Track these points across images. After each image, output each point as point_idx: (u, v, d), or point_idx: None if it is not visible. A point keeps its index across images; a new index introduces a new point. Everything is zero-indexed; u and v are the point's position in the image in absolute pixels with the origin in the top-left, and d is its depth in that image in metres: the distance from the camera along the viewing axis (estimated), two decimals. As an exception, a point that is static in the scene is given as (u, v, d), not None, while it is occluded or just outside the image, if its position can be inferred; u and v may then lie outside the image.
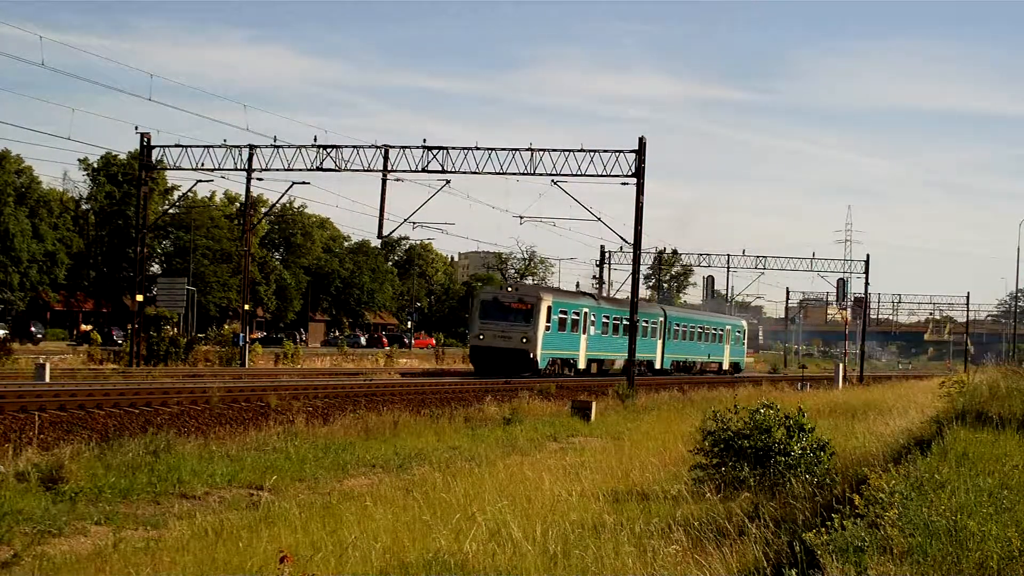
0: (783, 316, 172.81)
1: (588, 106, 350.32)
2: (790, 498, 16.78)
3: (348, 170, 60.21)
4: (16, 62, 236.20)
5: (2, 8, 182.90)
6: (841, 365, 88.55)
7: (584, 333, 69.46)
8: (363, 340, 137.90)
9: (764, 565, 12.29)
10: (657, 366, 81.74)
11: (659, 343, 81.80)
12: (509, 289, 69.53)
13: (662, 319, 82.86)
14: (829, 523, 12.04)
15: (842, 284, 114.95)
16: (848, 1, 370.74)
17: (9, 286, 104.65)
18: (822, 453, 19.54)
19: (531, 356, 64.00)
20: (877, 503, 12.95)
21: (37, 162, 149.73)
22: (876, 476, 14.58)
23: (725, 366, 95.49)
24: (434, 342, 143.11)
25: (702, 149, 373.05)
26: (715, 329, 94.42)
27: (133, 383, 39.78)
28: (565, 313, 67.38)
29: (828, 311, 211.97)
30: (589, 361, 70.83)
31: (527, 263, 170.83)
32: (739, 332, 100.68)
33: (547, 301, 65.02)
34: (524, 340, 63.93)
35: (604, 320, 72.70)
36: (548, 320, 64.83)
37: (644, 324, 75.48)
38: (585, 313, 69.58)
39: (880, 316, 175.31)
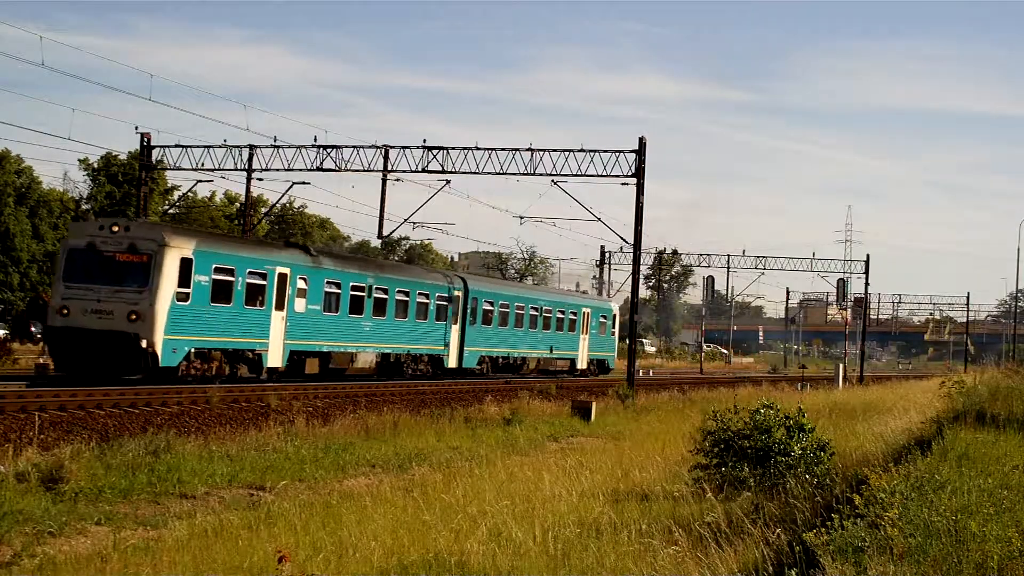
0: (783, 316, 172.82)
1: (588, 106, 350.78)
2: (790, 498, 16.79)
3: (348, 170, 60.12)
4: (16, 62, 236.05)
5: (2, 8, 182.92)
6: (841, 365, 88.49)
7: (281, 309, 44.86)
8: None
9: (764, 565, 12.29)
10: (451, 363, 58.33)
11: (454, 329, 58.29)
12: (115, 229, 40.30)
13: (459, 293, 58.95)
14: (829, 523, 12.05)
15: (842, 284, 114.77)
16: (848, 1, 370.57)
17: (9, 286, 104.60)
18: (822, 453, 19.55)
19: (143, 346, 38.65)
20: (877, 503, 12.96)
21: (37, 162, 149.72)
22: (876, 476, 14.59)
23: (581, 364, 73.74)
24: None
25: (702, 149, 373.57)
26: (561, 313, 71.09)
27: (132, 384, 39.67)
28: (229, 273, 42.00)
29: (828, 311, 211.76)
30: (295, 355, 46.32)
31: (527, 263, 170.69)
32: (604, 319, 77.56)
33: (181, 249, 40.33)
34: (132, 317, 38.80)
35: (331, 289, 48.42)
36: (184, 283, 40.06)
37: (422, 300, 55.20)
38: (282, 276, 44.90)
39: (880, 316, 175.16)
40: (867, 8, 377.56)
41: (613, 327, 79.49)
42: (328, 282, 48.32)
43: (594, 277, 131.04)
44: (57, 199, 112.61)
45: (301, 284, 46.21)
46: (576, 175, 57.63)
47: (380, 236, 65.11)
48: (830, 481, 18.31)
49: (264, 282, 43.89)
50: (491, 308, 62.30)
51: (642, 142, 55.55)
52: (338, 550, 13.51)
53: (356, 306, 50.29)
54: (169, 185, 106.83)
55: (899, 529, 11.65)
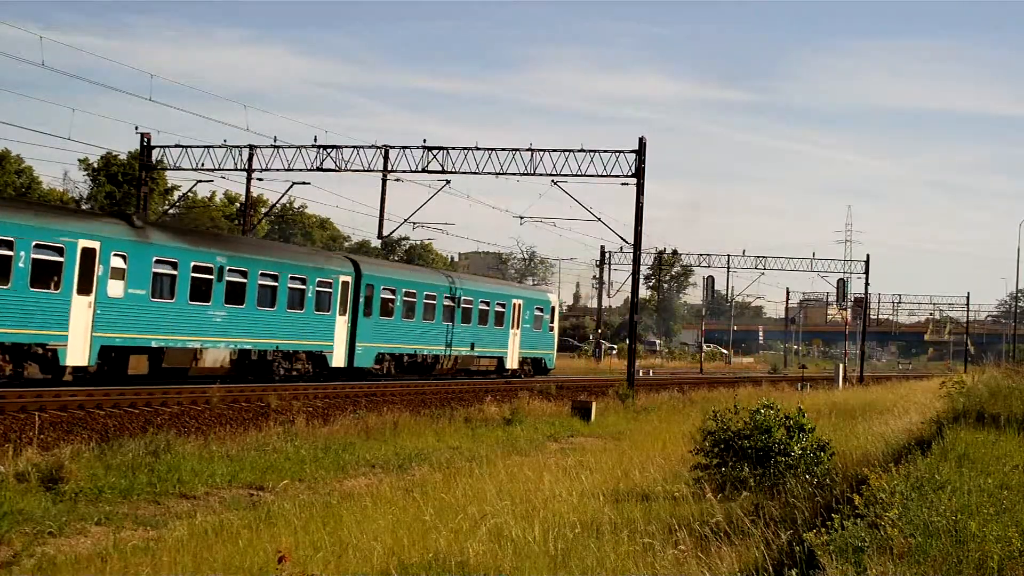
0: (783, 316, 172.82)
1: (588, 106, 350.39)
2: (790, 498, 16.80)
3: (348, 170, 60.17)
4: (16, 62, 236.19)
5: (2, 8, 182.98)
6: (841, 365, 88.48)
7: (86, 293, 36.70)
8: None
9: (765, 565, 12.30)
10: (337, 362, 50.16)
11: (341, 321, 50.18)
12: None
13: (348, 279, 50.83)
14: (829, 523, 12.05)
15: (842, 284, 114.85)
16: (847, 1, 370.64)
17: None
18: (822, 453, 19.58)
19: None
20: (877, 503, 12.97)
21: (37, 162, 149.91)
22: (876, 476, 14.59)
23: (511, 364, 64.34)
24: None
25: (701, 149, 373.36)
26: (485, 304, 62.11)
27: (133, 383, 39.72)
28: (6, 247, 33.96)
29: (828, 311, 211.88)
30: (110, 351, 38.13)
31: (527, 263, 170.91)
32: (540, 311, 67.97)
33: None
34: None
35: (163, 270, 40.21)
36: None
37: (296, 286, 47.25)
38: (88, 252, 36.74)
39: (880, 316, 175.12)
40: (866, 8, 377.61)
41: (552, 321, 69.82)
42: (159, 261, 39.80)
43: (594, 277, 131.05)
44: (57, 199, 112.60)
45: (117, 262, 37.72)
46: (576, 175, 57.62)
47: (380, 236, 65.20)
48: (830, 481, 18.31)
49: (61, 259, 35.50)
50: (392, 297, 54.22)
51: (642, 142, 55.54)
52: (338, 550, 13.51)
53: (201, 292, 41.66)
54: (169, 185, 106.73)
55: (899, 529, 11.66)
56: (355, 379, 50.34)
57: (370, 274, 52.67)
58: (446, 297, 58.29)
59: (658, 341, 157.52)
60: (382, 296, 53.38)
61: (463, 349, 59.87)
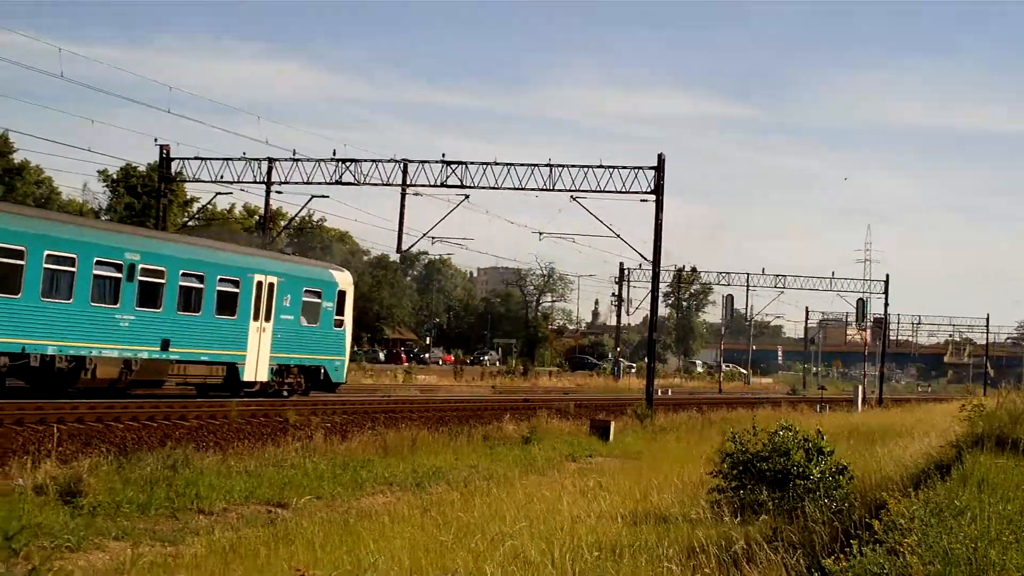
0: (802, 336, 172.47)
1: (606, 123, 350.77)
2: (809, 522, 16.73)
3: (367, 184, 60.20)
4: (37, 74, 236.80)
5: (23, 20, 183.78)
6: (860, 387, 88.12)
7: None
8: (382, 356, 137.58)
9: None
10: None
11: None
12: None
13: None
14: (848, 549, 12.00)
15: (862, 304, 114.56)
16: (867, 20, 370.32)
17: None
18: (841, 477, 19.47)
19: None
20: (896, 529, 12.91)
21: (57, 173, 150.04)
22: (895, 501, 14.54)
23: (253, 374, 43.85)
24: (453, 359, 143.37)
25: (721, 167, 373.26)
26: (199, 280, 41.57)
27: (152, 396, 39.77)
28: None
29: (847, 331, 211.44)
30: None
31: (546, 279, 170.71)
32: (313, 296, 47.40)
33: None
34: None
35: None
36: None
37: None
38: None
39: (899, 337, 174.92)
40: (886, 27, 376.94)
41: (340, 311, 49.00)
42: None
43: (613, 294, 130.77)
44: (77, 210, 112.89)
45: None
46: (595, 191, 57.54)
47: (399, 250, 65.19)
48: (849, 506, 18.24)
49: None
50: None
51: (661, 159, 55.51)
52: (356, 569, 13.48)
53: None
54: (188, 197, 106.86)
55: (918, 556, 11.60)
56: None
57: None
58: (102, 263, 37.60)
59: (697, 361, 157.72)
60: None
61: (147, 349, 39.19)
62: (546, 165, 58.06)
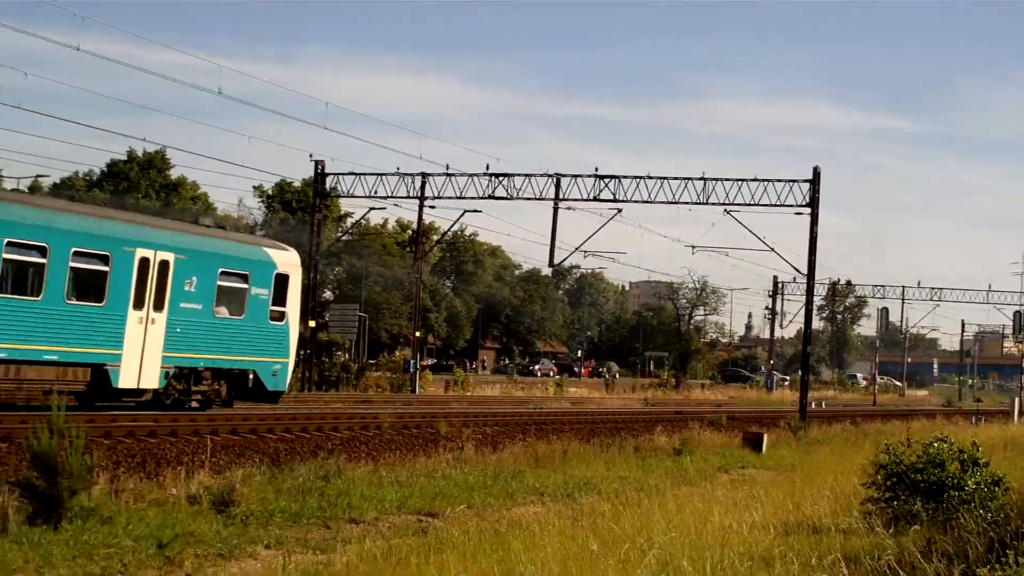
0: (958, 349, 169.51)
1: (760, 136, 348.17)
2: (963, 533, 16.36)
3: (520, 198, 60.43)
4: (193, 90, 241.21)
5: (180, 38, 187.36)
6: (1017, 399, 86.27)
7: None
8: (538, 370, 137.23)
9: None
10: None
11: None
12: None
13: None
14: (1003, 559, 11.70)
15: (1019, 317, 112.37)
16: (1020, 29, 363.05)
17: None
18: (997, 488, 19.06)
19: None
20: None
21: (213, 188, 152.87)
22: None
23: (132, 380, 32.04)
24: (589, 371, 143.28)
25: (874, 180, 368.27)
26: (40, 254, 29.29)
27: (304, 408, 40.13)
28: None
29: (1004, 344, 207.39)
30: None
31: (699, 292, 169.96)
32: (235, 280, 35.81)
33: None
34: None
35: None
36: None
37: None
38: None
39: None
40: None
41: (277, 302, 37.29)
42: None
43: (766, 307, 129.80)
44: (232, 225, 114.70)
45: None
46: (749, 204, 57.14)
47: (551, 264, 65.31)
48: (1004, 516, 17.81)
49: None
50: None
51: (816, 172, 54.96)
52: (507, 579, 13.41)
53: None
54: (342, 212, 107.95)
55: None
56: None
57: None
58: None
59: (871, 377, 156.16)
60: None
61: None
62: (699, 179, 57.85)
